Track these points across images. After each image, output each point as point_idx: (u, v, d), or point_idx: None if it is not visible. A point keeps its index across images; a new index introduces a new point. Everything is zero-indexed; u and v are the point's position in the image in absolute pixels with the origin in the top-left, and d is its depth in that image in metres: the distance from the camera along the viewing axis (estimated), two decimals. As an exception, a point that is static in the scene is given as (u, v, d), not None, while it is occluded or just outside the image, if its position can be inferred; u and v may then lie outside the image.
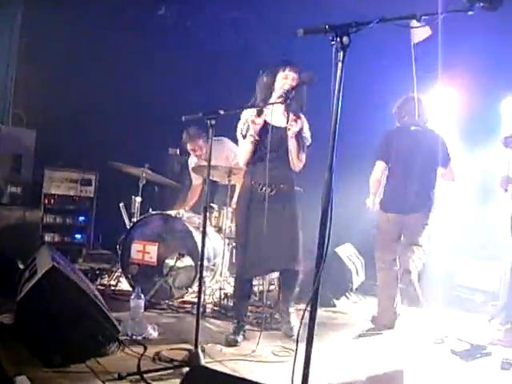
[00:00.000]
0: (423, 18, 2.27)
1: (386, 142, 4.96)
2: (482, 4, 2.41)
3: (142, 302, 4.05)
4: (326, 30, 2.01)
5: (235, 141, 4.52)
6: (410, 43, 4.88)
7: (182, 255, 5.01)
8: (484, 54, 6.56)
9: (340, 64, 2.06)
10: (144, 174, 5.69)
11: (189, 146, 5.98)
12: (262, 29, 7.01)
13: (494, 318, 5.34)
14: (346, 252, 6.24)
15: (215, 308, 4.97)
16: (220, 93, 6.70)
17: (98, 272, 5.77)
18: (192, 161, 6.14)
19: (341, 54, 2.04)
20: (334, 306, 5.70)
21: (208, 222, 5.00)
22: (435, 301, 6.14)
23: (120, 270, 5.28)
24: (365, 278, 6.40)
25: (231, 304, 4.73)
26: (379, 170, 4.97)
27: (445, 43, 6.02)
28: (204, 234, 3.41)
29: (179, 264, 5.00)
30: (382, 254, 4.94)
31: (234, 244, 5.53)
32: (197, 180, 6.20)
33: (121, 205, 5.69)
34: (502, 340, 4.65)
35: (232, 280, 5.28)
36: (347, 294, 6.10)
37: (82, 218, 7.00)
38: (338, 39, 2.02)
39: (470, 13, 2.39)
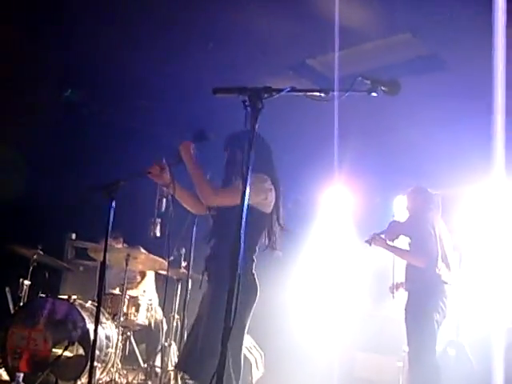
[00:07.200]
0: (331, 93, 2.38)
1: None
2: (383, 88, 2.57)
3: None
4: (239, 92, 2.01)
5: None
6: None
7: (71, 343, 4.62)
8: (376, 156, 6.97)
9: (252, 128, 2.05)
10: (35, 256, 5.30)
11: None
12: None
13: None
14: (246, 344, 6.03)
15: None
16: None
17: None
18: None
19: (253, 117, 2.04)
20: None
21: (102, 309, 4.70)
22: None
23: (-1, 361, 4.77)
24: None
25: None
26: None
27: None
28: (97, 320, 3.20)
29: (67, 353, 4.60)
30: None
31: (128, 333, 5.22)
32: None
33: (7, 289, 5.27)
34: None
35: (125, 371, 4.94)
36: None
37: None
38: (251, 102, 2.03)
39: (374, 94, 2.54)
